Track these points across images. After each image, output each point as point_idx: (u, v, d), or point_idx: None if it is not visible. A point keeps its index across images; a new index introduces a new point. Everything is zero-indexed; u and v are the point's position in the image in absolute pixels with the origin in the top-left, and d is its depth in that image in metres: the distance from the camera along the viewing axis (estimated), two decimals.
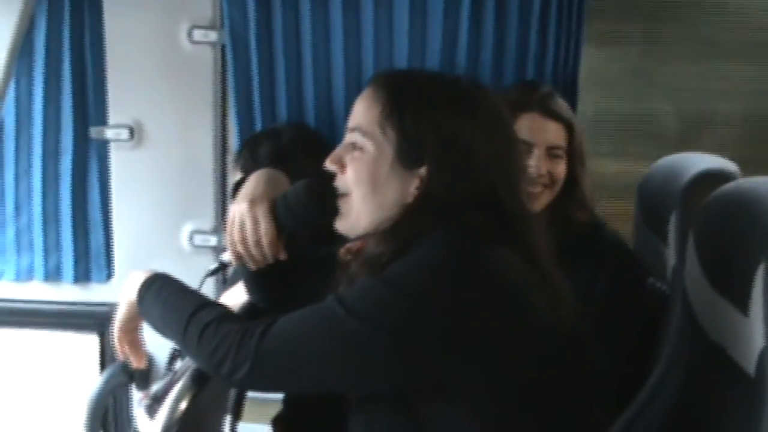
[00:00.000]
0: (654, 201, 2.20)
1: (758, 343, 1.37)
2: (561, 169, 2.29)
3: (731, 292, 1.47)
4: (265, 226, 1.74)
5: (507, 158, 1.61)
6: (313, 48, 2.70)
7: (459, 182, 1.55)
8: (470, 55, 2.65)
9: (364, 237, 1.65)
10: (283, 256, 1.78)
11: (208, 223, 2.87)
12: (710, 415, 1.59)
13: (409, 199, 1.57)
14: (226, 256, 1.81)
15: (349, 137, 1.64)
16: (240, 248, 1.76)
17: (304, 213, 1.74)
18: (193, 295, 1.67)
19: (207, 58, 2.83)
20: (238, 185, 1.83)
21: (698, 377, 1.67)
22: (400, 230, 1.55)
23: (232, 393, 2.03)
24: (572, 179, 2.31)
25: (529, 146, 2.21)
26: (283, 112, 2.74)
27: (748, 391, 1.42)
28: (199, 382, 1.69)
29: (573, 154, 2.31)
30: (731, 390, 1.51)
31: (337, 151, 1.66)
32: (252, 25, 2.70)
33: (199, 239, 2.92)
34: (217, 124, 2.87)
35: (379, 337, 1.44)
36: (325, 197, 1.71)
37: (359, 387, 1.55)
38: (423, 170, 1.56)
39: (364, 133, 1.61)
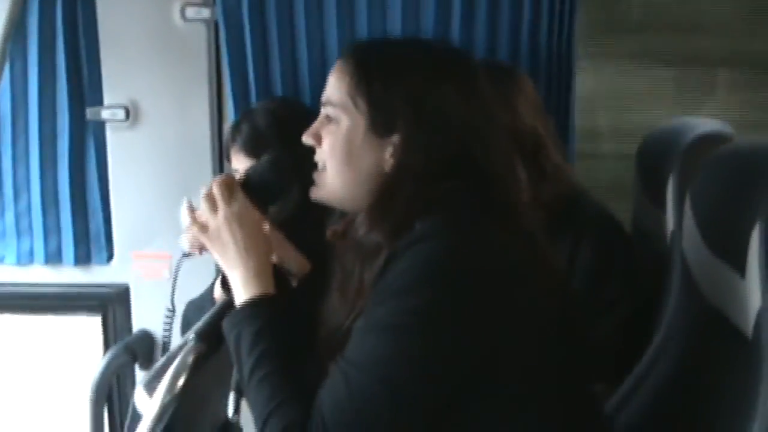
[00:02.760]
0: (652, 167, 2.19)
1: (755, 304, 1.37)
2: None
3: (728, 254, 1.47)
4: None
5: (482, 120, 1.58)
6: (307, 22, 2.69)
7: (434, 147, 1.53)
8: (463, 29, 2.63)
9: (348, 217, 1.65)
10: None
11: None
12: (710, 378, 1.60)
13: (386, 168, 1.56)
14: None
15: (323, 111, 1.63)
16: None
17: (266, 188, 1.75)
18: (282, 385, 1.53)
19: (200, 36, 2.81)
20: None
21: (698, 341, 1.67)
22: (387, 210, 1.53)
23: (235, 369, 2.03)
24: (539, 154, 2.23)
25: None
26: (278, 87, 2.73)
27: (746, 353, 1.42)
28: (198, 357, 1.69)
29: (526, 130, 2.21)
30: (730, 352, 1.51)
31: (314, 125, 1.65)
32: (244, 1, 2.69)
33: None
34: (213, 101, 2.86)
35: (420, 369, 1.40)
36: (288, 171, 1.74)
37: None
38: (396, 137, 1.55)
39: (336, 106, 1.60)
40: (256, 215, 1.69)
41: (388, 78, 1.56)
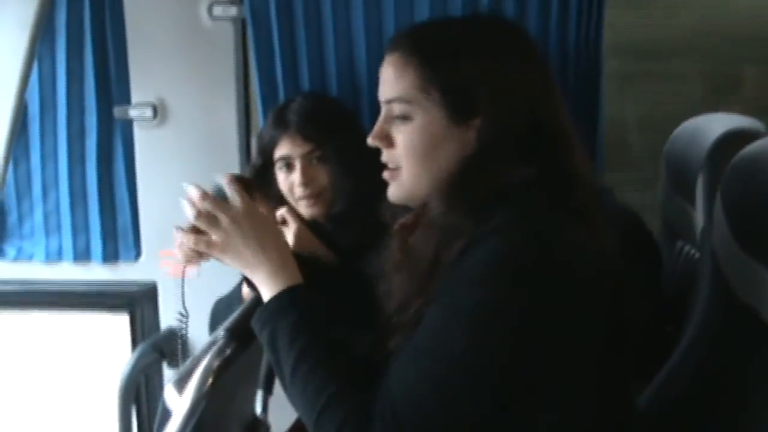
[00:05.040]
0: (680, 164, 2.18)
1: None
2: None
3: (761, 252, 1.46)
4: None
5: (547, 90, 1.55)
6: (334, 17, 2.69)
7: (514, 121, 1.48)
8: None
9: (416, 210, 1.60)
10: None
11: None
12: (742, 378, 1.58)
13: (469, 151, 1.50)
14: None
15: (389, 110, 1.57)
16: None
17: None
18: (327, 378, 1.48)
19: (228, 34, 2.82)
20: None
21: (729, 339, 1.65)
22: (468, 191, 1.48)
23: (264, 367, 2.04)
24: None
25: None
26: (305, 83, 2.73)
27: None
28: (227, 356, 1.69)
29: None
30: (761, 349, 1.49)
31: (379, 126, 1.59)
32: None
33: None
34: (240, 99, 2.87)
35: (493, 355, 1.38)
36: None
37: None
38: (477, 120, 1.49)
39: (407, 102, 1.53)
40: (258, 208, 1.66)
41: (455, 60, 1.51)
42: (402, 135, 1.55)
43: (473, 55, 1.51)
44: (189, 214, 1.63)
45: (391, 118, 1.57)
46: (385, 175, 1.61)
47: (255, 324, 1.57)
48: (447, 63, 1.51)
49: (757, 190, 1.52)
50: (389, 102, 1.57)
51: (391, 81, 1.57)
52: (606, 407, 1.49)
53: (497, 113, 1.49)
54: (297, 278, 1.59)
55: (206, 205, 1.60)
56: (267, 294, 1.58)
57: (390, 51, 1.59)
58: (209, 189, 1.65)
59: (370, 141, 1.60)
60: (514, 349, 1.38)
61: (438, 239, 1.47)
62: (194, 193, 1.62)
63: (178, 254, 1.71)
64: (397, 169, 1.58)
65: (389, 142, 1.58)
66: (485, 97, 1.49)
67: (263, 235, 1.60)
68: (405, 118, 1.54)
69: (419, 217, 1.58)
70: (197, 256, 1.67)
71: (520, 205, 1.44)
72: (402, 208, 1.65)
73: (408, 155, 1.55)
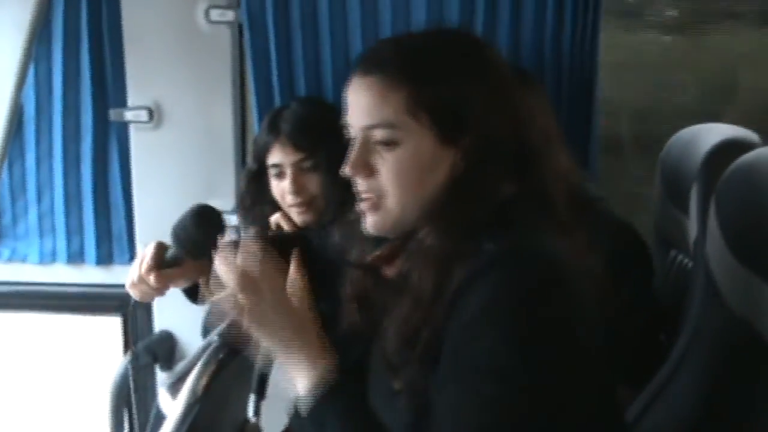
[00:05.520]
0: (675, 173, 2.18)
1: None
2: None
3: (754, 262, 1.47)
4: (146, 261, 1.78)
5: (523, 105, 1.50)
6: (331, 23, 2.69)
7: (497, 140, 1.43)
8: (486, 30, 2.62)
9: (394, 241, 1.53)
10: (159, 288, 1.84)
11: (228, 203, 2.86)
12: (735, 389, 1.59)
13: (458, 173, 1.44)
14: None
15: (368, 136, 1.47)
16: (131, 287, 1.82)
17: (190, 240, 1.77)
18: None
19: (225, 38, 2.82)
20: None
21: (722, 350, 1.66)
22: (459, 214, 1.41)
23: (256, 371, 2.04)
24: None
25: None
26: (301, 89, 2.74)
27: None
28: (220, 360, 1.69)
29: None
30: (754, 360, 1.50)
31: (357, 155, 1.48)
32: (269, 3, 2.69)
33: None
34: (237, 103, 2.87)
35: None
36: (209, 223, 1.74)
37: None
38: (467, 139, 1.43)
39: (394, 126, 1.44)
40: (294, 269, 1.54)
41: (443, 81, 1.44)
42: (388, 162, 1.46)
43: (459, 73, 1.46)
44: (227, 273, 1.50)
45: (371, 145, 1.47)
46: (364, 206, 1.51)
47: (305, 413, 1.46)
48: (435, 83, 1.44)
49: (751, 200, 1.52)
50: (371, 127, 1.47)
51: (370, 106, 1.47)
52: (601, 419, 1.46)
53: (485, 131, 1.44)
54: (334, 364, 1.46)
55: (250, 272, 1.49)
56: (305, 378, 1.46)
57: (362, 74, 1.49)
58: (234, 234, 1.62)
59: (349, 171, 1.49)
60: (564, 373, 1.32)
61: (437, 268, 1.40)
62: (246, 254, 1.51)
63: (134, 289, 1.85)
64: (380, 198, 1.48)
65: (370, 170, 1.48)
66: (474, 115, 1.44)
67: (303, 315, 1.50)
68: (390, 143, 1.45)
69: (398, 248, 1.52)
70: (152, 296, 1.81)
71: (510, 225, 1.40)
72: (374, 240, 1.57)
73: (396, 183, 1.46)
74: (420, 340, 1.39)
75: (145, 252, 1.81)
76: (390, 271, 1.54)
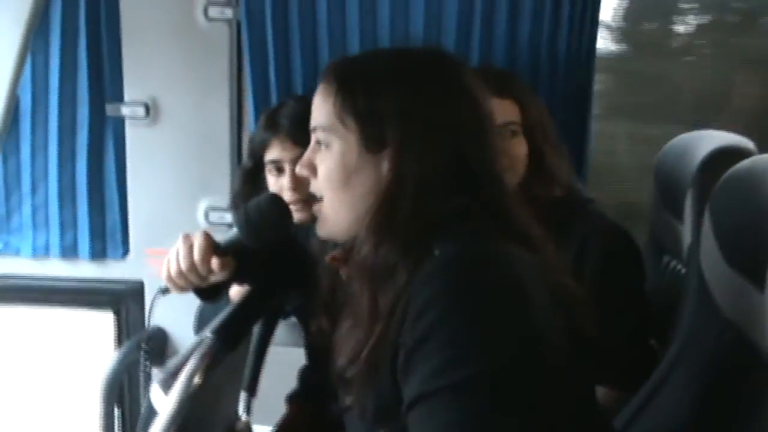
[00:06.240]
0: (670, 179, 2.18)
1: None
2: (519, 148, 2.19)
3: (748, 269, 1.47)
4: (201, 248, 1.71)
5: (473, 125, 1.51)
6: (329, 21, 2.70)
7: (428, 153, 1.46)
8: (484, 31, 2.63)
9: (347, 244, 1.57)
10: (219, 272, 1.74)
11: (223, 200, 2.86)
12: (726, 395, 1.59)
13: (384, 183, 1.48)
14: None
15: (313, 137, 1.57)
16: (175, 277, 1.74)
17: (267, 225, 1.72)
18: None
19: (223, 35, 2.83)
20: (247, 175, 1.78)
21: (714, 356, 1.66)
22: (391, 225, 1.44)
23: (248, 369, 2.04)
24: (537, 156, 2.21)
25: None
26: (299, 87, 2.75)
27: (763, 368, 1.41)
28: (213, 357, 1.69)
29: (532, 129, 2.21)
30: (748, 369, 1.50)
31: (306, 155, 1.58)
32: (267, 1, 2.70)
33: (214, 216, 2.92)
34: (233, 101, 2.87)
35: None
36: (287, 213, 1.71)
37: None
38: (390, 149, 1.47)
39: (325, 129, 1.53)
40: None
41: (371, 90, 1.50)
42: (322, 163, 1.54)
43: (389, 86, 1.50)
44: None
45: (315, 146, 1.57)
46: (314, 208, 1.59)
47: None
48: (362, 91, 1.50)
49: (746, 208, 1.52)
50: (313, 130, 1.56)
51: (317, 109, 1.56)
52: (580, 422, 1.45)
53: (408, 145, 1.46)
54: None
55: None
56: None
57: (321, 80, 1.58)
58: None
59: (298, 170, 1.59)
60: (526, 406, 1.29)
61: (372, 282, 1.43)
62: None
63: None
64: (320, 200, 1.56)
65: (314, 170, 1.57)
66: (396, 127, 1.47)
67: None
68: (325, 145, 1.54)
69: (349, 251, 1.55)
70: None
71: (453, 234, 1.40)
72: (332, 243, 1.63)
73: (326, 185, 1.54)
74: (360, 360, 1.41)
75: (184, 242, 1.74)
76: (344, 273, 1.59)
